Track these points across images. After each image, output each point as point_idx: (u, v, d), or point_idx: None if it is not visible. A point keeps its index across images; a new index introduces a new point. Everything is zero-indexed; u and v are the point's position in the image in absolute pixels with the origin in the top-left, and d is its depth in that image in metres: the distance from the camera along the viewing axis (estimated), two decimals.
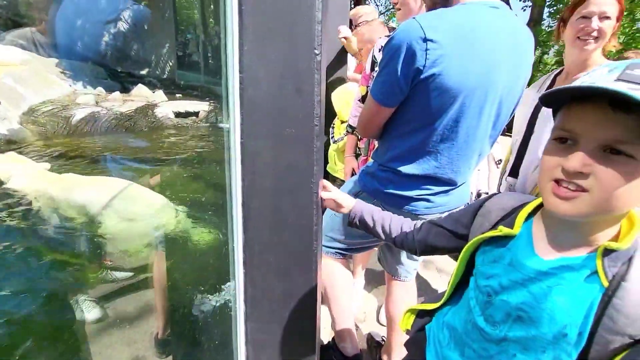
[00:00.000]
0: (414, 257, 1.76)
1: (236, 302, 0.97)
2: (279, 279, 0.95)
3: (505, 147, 2.26)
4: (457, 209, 1.71)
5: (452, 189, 1.52)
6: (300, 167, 0.86)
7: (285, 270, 0.95)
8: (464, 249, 0.92)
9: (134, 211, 2.01)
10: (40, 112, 4.12)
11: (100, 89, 5.41)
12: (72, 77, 5.62)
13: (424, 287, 2.53)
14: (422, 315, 1.10)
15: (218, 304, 1.18)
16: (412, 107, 1.34)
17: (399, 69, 1.18)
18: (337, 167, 2.59)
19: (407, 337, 1.11)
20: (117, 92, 5.45)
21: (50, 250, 1.69)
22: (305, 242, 0.93)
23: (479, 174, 2.50)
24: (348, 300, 1.77)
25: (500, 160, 2.52)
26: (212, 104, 6.48)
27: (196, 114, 5.80)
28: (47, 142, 3.60)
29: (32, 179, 2.37)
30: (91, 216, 1.93)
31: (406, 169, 1.38)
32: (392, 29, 3.14)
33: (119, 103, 5.17)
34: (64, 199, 2.14)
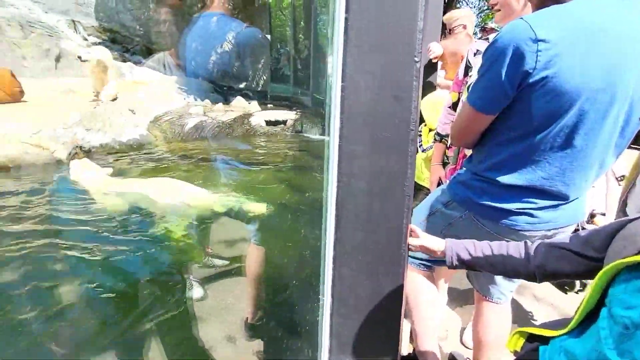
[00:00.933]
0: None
1: (324, 297, 1.03)
2: (366, 278, 0.98)
3: (629, 162, 1.91)
4: (572, 228, 1.50)
5: (563, 204, 1.35)
6: (394, 170, 0.89)
7: (373, 270, 0.98)
8: (599, 274, 0.81)
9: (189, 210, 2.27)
10: (162, 121, 4.96)
11: (207, 101, 6.26)
12: (186, 91, 6.59)
13: (518, 314, 2.27)
14: (533, 339, 0.99)
15: (306, 297, 1.27)
16: (518, 113, 1.23)
17: (504, 73, 1.11)
18: (423, 176, 2.51)
19: None
20: (220, 104, 6.23)
21: (171, 237, 2.06)
22: (394, 244, 0.95)
23: (594, 190, 2.15)
24: (432, 315, 1.69)
25: (623, 176, 2.13)
26: (298, 113, 6.93)
27: (284, 122, 6.28)
28: (166, 145, 4.31)
29: (98, 182, 2.82)
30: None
31: (506, 179, 1.28)
32: (490, 30, 2.94)
33: (222, 113, 5.90)
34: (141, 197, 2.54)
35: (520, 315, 2.28)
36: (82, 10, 9.06)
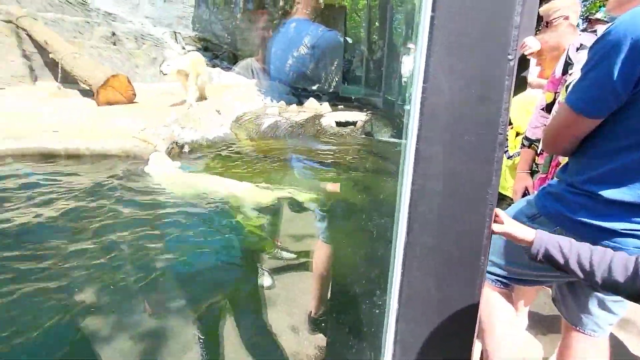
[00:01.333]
0: (613, 308, 1.35)
1: (390, 300, 1.01)
2: (437, 285, 0.94)
3: None
4: None
5: None
6: (477, 175, 0.83)
7: (445, 278, 0.93)
8: None
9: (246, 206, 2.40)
10: (243, 120, 5.38)
11: (282, 102, 6.61)
12: (265, 93, 7.02)
13: (618, 351, 1.92)
14: None
15: (372, 299, 1.26)
16: (631, 118, 1.04)
17: (616, 71, 0.95)
18: (507, 185, 2.28)
19: None
20: (294, 105, 6.53)
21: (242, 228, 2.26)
22: (471, 254, 0.89)
23: None
24: (507, 337, 1.54)
25: None
26: (369, 114, 6.89)
27: (354, 123, 6.31)
28: (245, 142, 4.67)
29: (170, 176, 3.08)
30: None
31: (611, 193, 1.09)
32: (595, 22, 2.55)
33: (295, 113, 6.18)
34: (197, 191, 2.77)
35: (622, 355, 1.93)
36: (182, 22, 10.28)
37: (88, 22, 7.41)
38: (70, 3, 8.02)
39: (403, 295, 0.99)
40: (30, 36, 5.62)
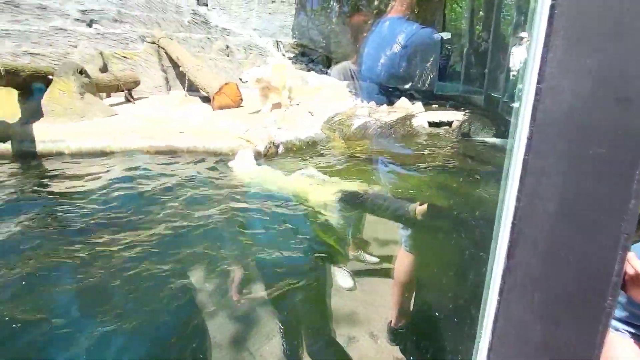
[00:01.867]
0: None
1: (482, 329, 0.89)
2: (542, 325, 0.79)
3: None
4: None
5: None
6: (608, 197, 0.66)
7: (553, 317, 0.77)
8: None
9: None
10: (333, 121, 5.52)
11: (372, 103, 6.54)
12: (356, 94, 7.03)
13: None
14: None
15: (459, 321, 1.14)
16: None
17: None
18: None
19: None
20: (385, 105, 6.40)
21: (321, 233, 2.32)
22: (592, 292, 0.72)
23: None
24: None
25: None
26: (466, 113, 6.28)
27: (449, 123, 5.82)
28: (335, 143, 4.78)
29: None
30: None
31: None
32: None
33: (385, 114, 6.04)
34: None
35: None
36: (283, 31, 11.05)
37: (208, 38, 8.58)
38: (196, 23, 9.41)
39: (497, 327, 0.86)
40: (167, 53, 6.79)
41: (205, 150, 4.08)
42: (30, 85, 4.37)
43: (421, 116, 5.59)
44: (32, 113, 4.44)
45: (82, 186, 3.11)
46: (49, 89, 4.49)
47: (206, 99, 5.83)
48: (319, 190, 2.72)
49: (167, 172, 3.50)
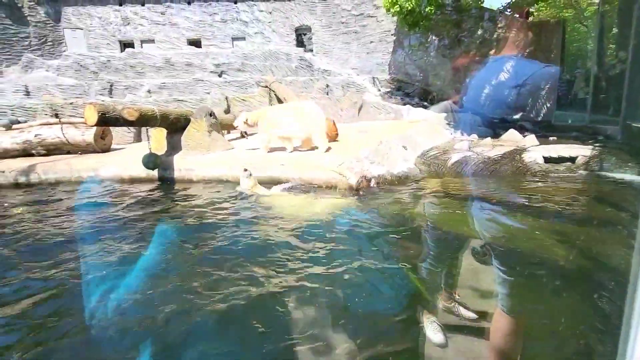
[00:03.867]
0: None
1: None
2: None
3: None
4: None
5: None
6: None
7: None
8: None
9: None
10: (428, 156, 5.29)
11: (474, 136, 6.06)
12: (454, 126, 6.65)
13: None
14: None
15: None
16: None
17: None
18: None
19: None
20: (489, 138, 5.84)
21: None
22: None
23: None
24: None
25: None
26: (597, 147, 5.21)
27: (572, 159, 4.91)
28: (428, 179, 4.56)
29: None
30: None
31: None
32: None
33: (489, 148, 5.50)
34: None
35: None
36: (380, 68, 11.39)
37: (311, 80, 9.44)
38: (302, 67, 10.49)
39: None
40: (276, 95, 7.70)
41: (303, 181, 4.38)
42: (175, 125, 5.48)
43: (535, 150, 4.92)
44: (174, 147, 5.53)
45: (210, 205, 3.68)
46: (187, 128, 5.54)
47: None
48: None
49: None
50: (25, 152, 6.47)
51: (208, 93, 8.86)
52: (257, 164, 4.86)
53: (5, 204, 4.45)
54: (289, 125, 5.13)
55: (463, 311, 1.89)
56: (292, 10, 11.52)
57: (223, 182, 4.83)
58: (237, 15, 11.50)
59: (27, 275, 2.35)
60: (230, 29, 11.50)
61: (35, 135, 6.46)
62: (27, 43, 10.26)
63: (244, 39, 11.69)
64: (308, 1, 11.41)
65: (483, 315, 1.83)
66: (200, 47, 11.41)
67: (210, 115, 5.74)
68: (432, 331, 1.73)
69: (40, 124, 6.67)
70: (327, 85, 9.20)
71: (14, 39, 9.97)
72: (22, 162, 6.00)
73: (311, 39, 11.75)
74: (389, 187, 4.15)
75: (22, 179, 5.73)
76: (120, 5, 11.17)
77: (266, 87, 8.05)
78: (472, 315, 1.86)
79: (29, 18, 10.32)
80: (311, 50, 11.57)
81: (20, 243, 2.92)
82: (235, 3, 11.42)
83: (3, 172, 5.81)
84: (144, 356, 1.48)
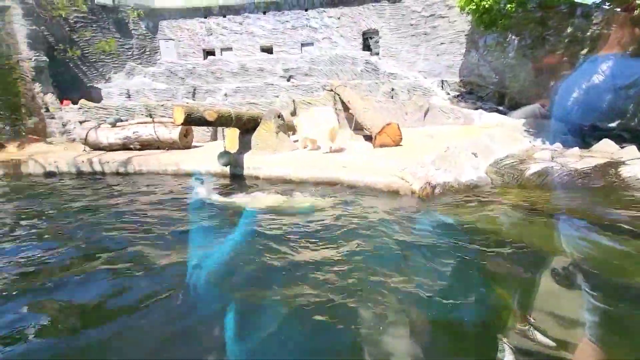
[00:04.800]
0: None
1: None
2: None
3: None
4: None
5: None
6: None
7: None
8: None
9: None
10: (502, 165, 4.86)
11: (558, 145, 5.40)
12: (535, 134, 6.02)
13: None
14: None
15: None
16: None
17: None
18: None
19: None
20: (576, 148, 5.15)
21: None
22: None
23: None
24: None
25: None
26: None
27: None
28: (501, 189, 4.19)
29: None
30: None
31: None
32: None
33: (575, 159, 4.84)
34: None
35: None
36: (450, 71, 10.82)
37: (376, 83, 9.35)
38: (368, 71, 10.46)
39: None
40: (340, 98, 7.80)
41: (364, 184, 4.37)
42: (247, 126, 5.89)
43: (635, 164, 4.23)
44: (245, 146, 5.95)
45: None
46: (257, 129, 5.91)
47: (368, 138, 6.29)
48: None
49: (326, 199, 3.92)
50: (125, 147, 7.52)
51: (277, 96, 9.34)
52: (319, 165, 4.98)
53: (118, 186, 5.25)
54: (309, 129, 5.91)
55: (540, 337, 1.71)
56: (360, 14, 11.55)
57: (287, 182, 5.05)
58: (307, 22, 11.91)
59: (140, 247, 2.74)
60: (300, 35, 11.96)
61: (133, 133, 7.48)
62: (130, 53, 11.95)
63: (312, 44, 12.06)
64: (377, 5, 11.34)
65: (562, 344, 1.64)
66: (272, 54, 12.07)
67: (279, 117, 6.05)
68: (501, 353, 1.61)
69: (137, 123, 7.70)
70: (392, 89, 9.02)
71: (120, 49, 11.69)
72: (122, 155, 7.00)
73: (378, 42, 11.65)
74: (456, 196, 3.92)
75: (121, 169, 6.68)
76: (205, 17, 12.37)
77: (331, 90, 8.20)
78: (550, 343, 1.68)
79: (132, 31, 12.01)
80: (377, 54, 11.47)
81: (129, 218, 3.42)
82: (306, 11, 11.84)
83: (108, 162, 6.84)
84: (228, 316, 1.67)
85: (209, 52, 12.69)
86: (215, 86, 10.60)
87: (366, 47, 11.95)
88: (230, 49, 12.51)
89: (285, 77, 10.90)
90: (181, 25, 12.66)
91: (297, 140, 6.48)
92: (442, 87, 9.98)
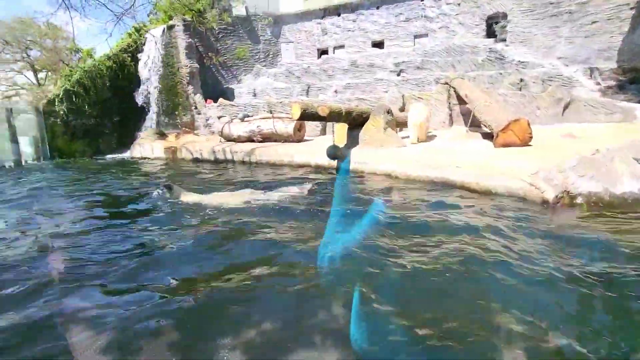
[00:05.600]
0: None
1: None
2: None
3: None
4: None
5: None
6: None
7: None
8: None
9: None
10: None
11: None
12: None
13: None
14: None
15: None
16: None
17: None
18: None
19: None
20: None
21: None
22: None
23: None
24: None
25: None
26: None
27: None
28: None
29: None
30: None
31: None
32: None
33: None
34: None
35: None
36: (603, 55, 8.70)
37: (500, 74, 8.22)
38: (490, 60, 9.28)
39: None
40: (455, 92, 7.16)
41: (480, 188, 3.93)
42: (356, 121, 5.98)
43: None
44: (353, 141, 6.07)
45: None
46: (365, 124, 5.95)
47: (488, 135, 5.61)
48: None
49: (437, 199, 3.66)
50: (249, 139, 8.61)
51: (386, 91, 9.17)
52: (428, 163, 4.69)
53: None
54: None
55: None
56: None
57: (391, 178, 4.94)
58: (422, 12, 11.26)
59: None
60: (414, 27, 11.39)
61: (257, 127, 8.49)
62: (257, 57, 13.52)
63: (426, 35, 11.37)
64: None
65: None
66: (383, 48, 11.89)
67: (387, 112, 5.95)
68: None
69: (260, 118, 8.70)
70: (521, 80, 7.76)
71: (250, 54, 13.33)
72: (248, 146, 8.04)
73: (505, 27, 10.17)
74: (605, 211, 3.14)
75: (246, 159, 7.68)
76: (322, 18, 13.00)
77: (446, 83, 7.59)
78: None
79: (260, 38, 13.54)
80: (503, 40, 10.04)
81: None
82: (422, 0, 11.20)
83: (236, 152, 7.96)
84: (355, 298, 1.79)
85: (322, 52, 13.33)
86: (326, 83, 11.09)
87: (490, 34, 10.63)
88: (342, 46, 12.86)
89: (395, 71, 10.60)
90: (300, 28, 13.62)
91: (406, 137, 6.27)
92: (590, 75, 8.10)
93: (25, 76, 19.62)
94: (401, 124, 6.65)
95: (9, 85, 19.33)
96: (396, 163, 5.09)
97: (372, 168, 5.35)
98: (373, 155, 5.51)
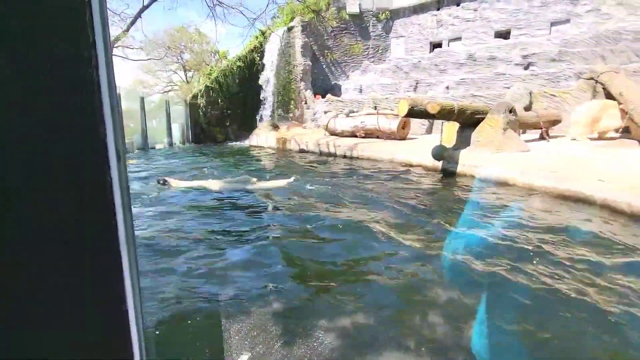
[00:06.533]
0: None
1: None
2: None
3: None
4: None
5: None
6: None
7: None
8: None
9: None
10: None
11: None
12: None
13: None
14: None
15: None
16: None
17: None
18: None
19: None
20: None
21: None
22: None
23: None
24: None
25: None
26: None
27: None
28: None
29: None
30: None
31: None
32: None
33: None
34: None
35: None
36: None
37: None
38: None
39: None
40: (605, 89, 5.82)
41: (631, 210, 3.15)
42: (469, 120, 5.48)
43: None
44: (463, 141, 5.58)
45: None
46: (480, 124, 5.39)
47: None
48: None
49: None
50: (352, 134, 8.79)
51: (507, 88, 8.08)
52: (560, 173, 3.97)
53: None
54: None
55: None
56: None
57: (507, 187, 4.37)
58: None
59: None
60: (552, 12, 9.64)
61: (361, 122, 8.60)
62: (366, 53, 13.56)
63: (567, 21, 9.50)
64: None
65: None
66: (508, 39, 10.47)
67: (510, 111, 5.26)
68: None
69: (364, 114, 8.78)
70: None
71: (358, 50, 13.49)
72: (350, 141, 8.24)
73: None
74: None
75: (348, 153, 7.89)
76: (438, 9, 12.18)
77: (591, 79, 6.22)
78: None
79: (371, 34, 13.51)
80: None
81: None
82: None
83: (339, 146, 8.24)
84: (481, 306, 1.73)
85: (435, 45, 12.53)
86: (437, 79, 10.42)
87: None
88: (459, 39, 11.85)
89: (522, 64, 9.24)
90: (412, 21, 13.08)
91: (529, 140, 5.45)
92: None
93: (179, 75, 24.27)
94: (526, 126, 5.79)
95: (168, 83, 24.26)
96: (517, 170, 4.47)
97: (485, 173, 4.84)
98: (488, 159, 4.98)
